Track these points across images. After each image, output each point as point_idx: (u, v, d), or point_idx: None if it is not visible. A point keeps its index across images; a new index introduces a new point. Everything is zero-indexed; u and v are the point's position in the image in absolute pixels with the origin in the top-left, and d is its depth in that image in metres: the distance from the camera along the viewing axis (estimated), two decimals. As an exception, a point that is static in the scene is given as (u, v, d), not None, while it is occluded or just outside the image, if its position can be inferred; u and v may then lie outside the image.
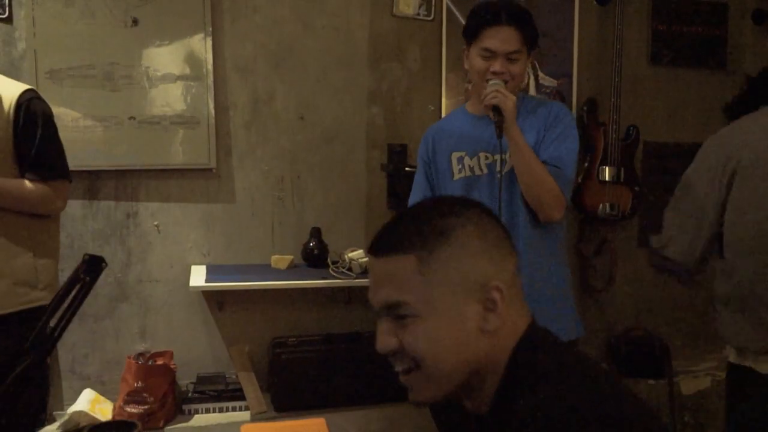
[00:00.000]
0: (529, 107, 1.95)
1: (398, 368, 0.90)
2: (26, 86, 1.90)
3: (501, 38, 1.83)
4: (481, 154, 1.93)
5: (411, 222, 0.91)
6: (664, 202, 3.16)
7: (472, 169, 1.95)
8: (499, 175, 1.87)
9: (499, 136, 1.80)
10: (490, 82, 1.83)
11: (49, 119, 1.90)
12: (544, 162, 1.86)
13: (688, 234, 1.88)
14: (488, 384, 0.90)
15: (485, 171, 1.93)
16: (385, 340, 0.89)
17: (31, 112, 1.85)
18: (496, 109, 1.79)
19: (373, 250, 0.92)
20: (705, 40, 3.11)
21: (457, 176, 1.96)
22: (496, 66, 1.84)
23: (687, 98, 3.12)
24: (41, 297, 1.84)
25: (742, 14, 3.16)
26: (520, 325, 0.91)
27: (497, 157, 1.88)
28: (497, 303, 0.88)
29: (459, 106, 2.81)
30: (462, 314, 0.87)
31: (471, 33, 1.89)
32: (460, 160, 1.96)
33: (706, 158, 1.87)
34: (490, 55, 1.85)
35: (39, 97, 1.90)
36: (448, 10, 2.79)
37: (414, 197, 2.09)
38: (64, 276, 2.46)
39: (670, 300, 3.17)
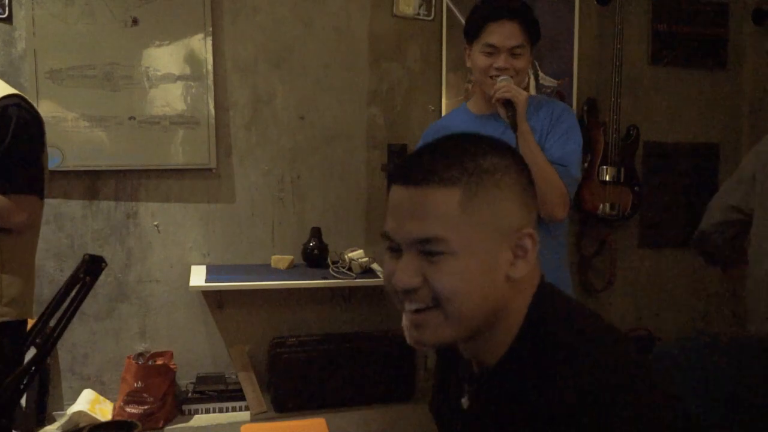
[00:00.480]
0: (532, 106, 1.93)
1: (410, 307, 0.85)
2: (11, 91, 1.79)
3: (503, 33, 1.81)
4: None
5: (451, 154, 0.85)
6: (664, 202, 3.19)
7: None
8: None
9: (515, 129, 1.76)
10: (500, 78, 1.80)
11: (24, 128, 1.74)
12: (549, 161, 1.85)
13: (718, 200, 2.00)
14: (500, 332, 0.87)
15: None
16: (410, 276, 0.83)
17: (4, 119, 1.71)
18: (509, 103, 1.76)
19: (406, 178, 0.84)
20: (705, 40, 3.11)
21: None
22: (500, 62, 1.81)
23: (687, 98, 3.12)
24: (3, 312, 1.74)
25: (742, 14, 3.15)
26: (535, 278, 0.89)
27: None
28: (528, 251, 0.86)
29: (457, 104, 2.82)
30: (495, 258, 0.84)
31: (473, 30, 1.87)
32: None
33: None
34: (493, 51, 1.82)
35: (21, 104, 1.77)
36: (449, 10, 2.78)
37: None
38: (64, 276, 2.46)
39: (671, 300, 3.17)
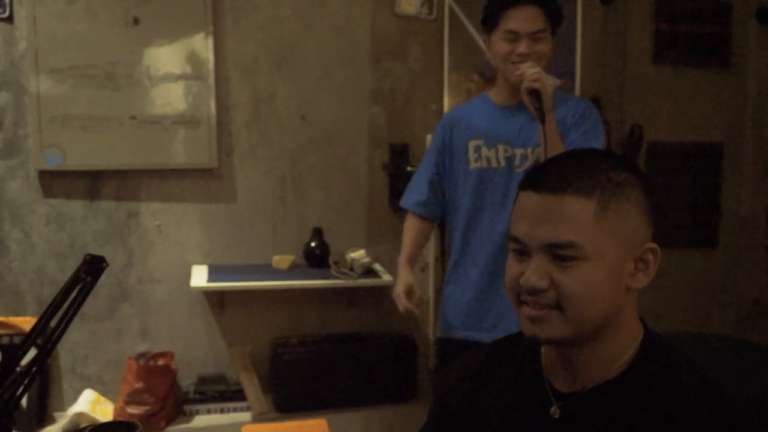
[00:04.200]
0: (557, 99, 1.88)
1: (533, 306, 0.90)
2: None
3: (523, 18, 1.78)
4: (500, 146, 1.87)
5: (581, 166, 0.90)
6: (666, 201, 3.17)
7: (488, 160, 1.88)
8: (518, 170, 1.83)
9: (541, 120, 1.72)
10: (526, 63, 1.76)
11: None
12: None
13: None
14: (612, 343, 0.91)
15: (503, 164, 1.87)
16: (539, 278, 0.87)
17: None
18: (535, 93, 1.73)
19: (538, 185, 0.90)
20: (709, 39, 3.09)
21: (473, 165, 1.90)
22: (522, 48, 1.78)
23: (691, 97, 3.11)
24: None
25: (746, 13, 3.14)
26: (638, 328, 0.95)
27: (518, 151, 1.84)
28: (650, 264, 0.91)
29: (459, 104, 2.81)
30: (622, 267, 0.89)
31: (492, 18, 1.84)
32: (477, 149, 1.90)
33: None
34: (513, 37, 1.78)
35: None
36: (450, 9, 2.77)
37: (417, 181, 2.03)
38: (65, 276, 2.45)
39: (673, 301, 3.16)
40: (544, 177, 0.90)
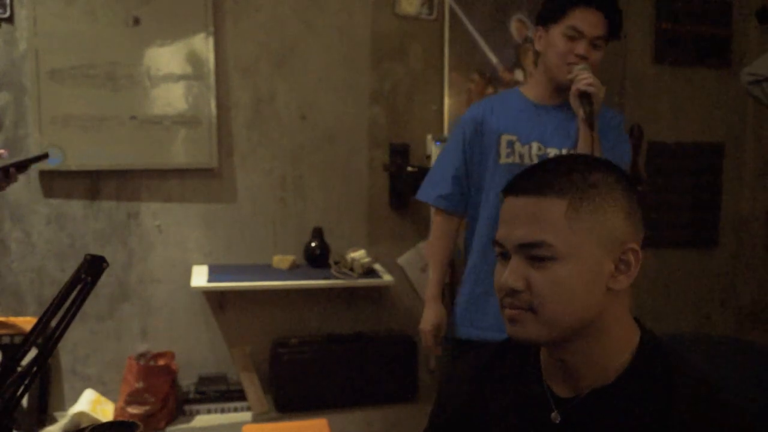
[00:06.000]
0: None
1: (510, 306, 0.91)
2: None
3: (590, 20, 1.76)
4: (534, 144, 1.84)
5: (560, 169, 0.91)
6: (666, 201, 3.17)
7: (521, 156, 1.85)
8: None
9: (590, 125, 1.71)
10: (580, 66, 1.74)
11: None
12: None
13: None
14: (603, 346, 0.91)
15: (535, 161, 1.82)
16: (515, 279, 0.89)
17: None
18: (586, 97, 1.71)
19: (517, 189, 0.91)
20: (709, 39, 3.10)
21: (504, 160, 1.86)
22: (581, 49, 1.75)
23: (691, 97, 3.11)
24: None
25: (746, 13, 3.14)
26: (630, 294, 0.94)
27: (551, 150, 1.82)
28: (631, 265, 0.90)
29: (463, 104, 2.81)
30: (599, 267, 0.88)
31: (555, 12, 1.79)
32: (510, 144, 1.86)
33: None
34: (577, 35, 1.76)
35: None
36: (451, 9, 2.77)
37: (438, 175, 1.96)
38: (65, 276, 2.46)
39: (673, 301, 3.16)
40: (522, 180, 0.92)
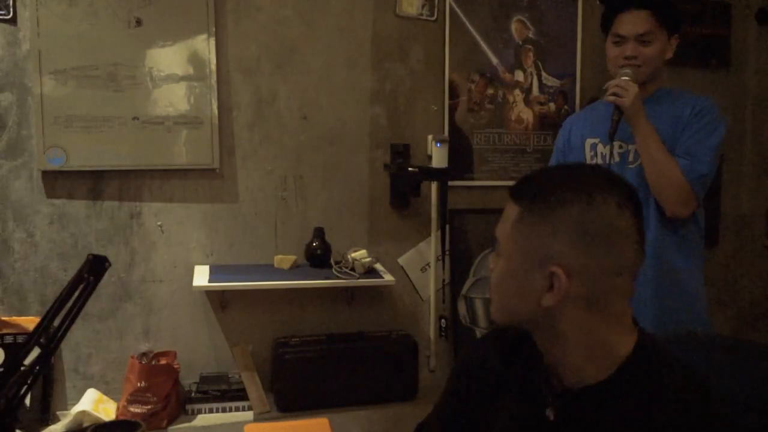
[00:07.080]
0: (664, 96, 1.92)
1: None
2: None
3: (630, 21, 1.85)
4: (616, 143, 1.90)
5: (543, 179, 0.99)
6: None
7: (604, 157, 1.92)
8: (631, 165, 1.87)
9: (611, 135, 1.82)
10: (621, 72, 1.84)
11: None
12: (676, 155, 1.81)
13: None
14: (569, 351, 0.94)
15: (617, 159, 1.91)
16: (491, 263, 1.02)
17: None
18: (616, 107, 1.81)
19: (509, 190, 1.01)
20: (708, 39, 3.10)
21: (589, 162, 1.95)
22: (627, 51, 1.85)
23: (691, 98, 3.11)
24: None
25: (746, 14, 3.15)
26: (628, 340, 0.94)
27: (632, 147, 1.87)
28: (554, 287, 0.91)
29: (463, 104, 2.82)
30: (525, 275, 0.94)
31: (605, 23, 1.93)
32: (593, 146, 1.96)
33: None
34: (620, 40, 1.87)
35: None
36: (451, 10, 2.78)
37: None
38: (68, 276, 2.47)
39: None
40: (516, 184, 1.01)
